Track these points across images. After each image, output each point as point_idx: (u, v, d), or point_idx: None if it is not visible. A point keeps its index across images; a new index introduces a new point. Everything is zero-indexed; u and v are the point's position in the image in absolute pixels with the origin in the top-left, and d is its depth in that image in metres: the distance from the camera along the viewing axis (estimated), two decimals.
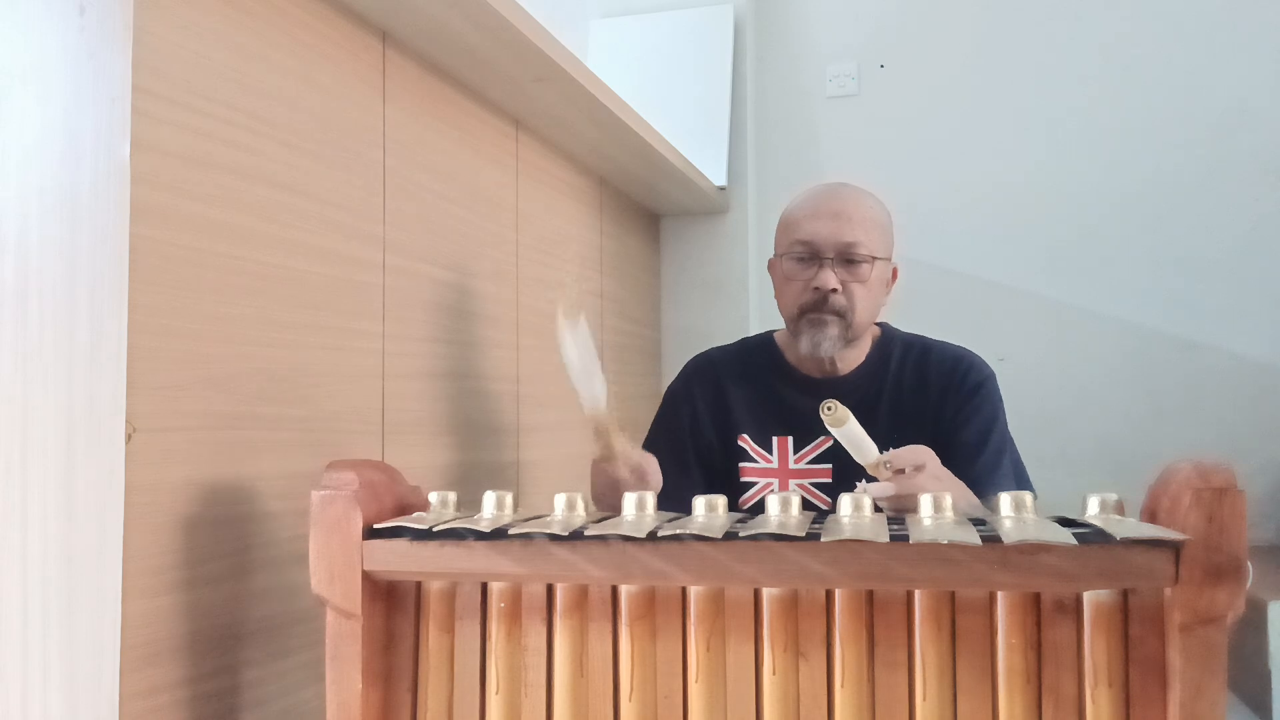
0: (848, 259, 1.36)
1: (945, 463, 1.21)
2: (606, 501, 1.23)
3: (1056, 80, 2.61)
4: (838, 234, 1.36)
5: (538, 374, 1.76)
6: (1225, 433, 2.43)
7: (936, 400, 1.40)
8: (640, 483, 1.24)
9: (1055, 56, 2.61)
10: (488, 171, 1.59)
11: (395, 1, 1.20)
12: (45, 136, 0.87)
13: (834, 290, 1.36)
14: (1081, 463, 2.44)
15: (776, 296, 1.46)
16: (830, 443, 1.41)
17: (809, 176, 2.38)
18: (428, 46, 1.35)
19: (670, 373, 1.69)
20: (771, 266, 1.48)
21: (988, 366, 1.44)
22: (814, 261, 1.37)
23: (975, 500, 1.25)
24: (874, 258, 1.37)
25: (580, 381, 1.16)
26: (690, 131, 2.47)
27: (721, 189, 2.57)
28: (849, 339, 1.40)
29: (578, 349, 1.13)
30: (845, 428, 1.13)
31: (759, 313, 2.61)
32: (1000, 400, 1.42)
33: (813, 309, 1.37)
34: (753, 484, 1.44)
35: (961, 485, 1.23)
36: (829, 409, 1.13)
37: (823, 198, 1.41)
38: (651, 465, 1.28)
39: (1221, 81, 2.51)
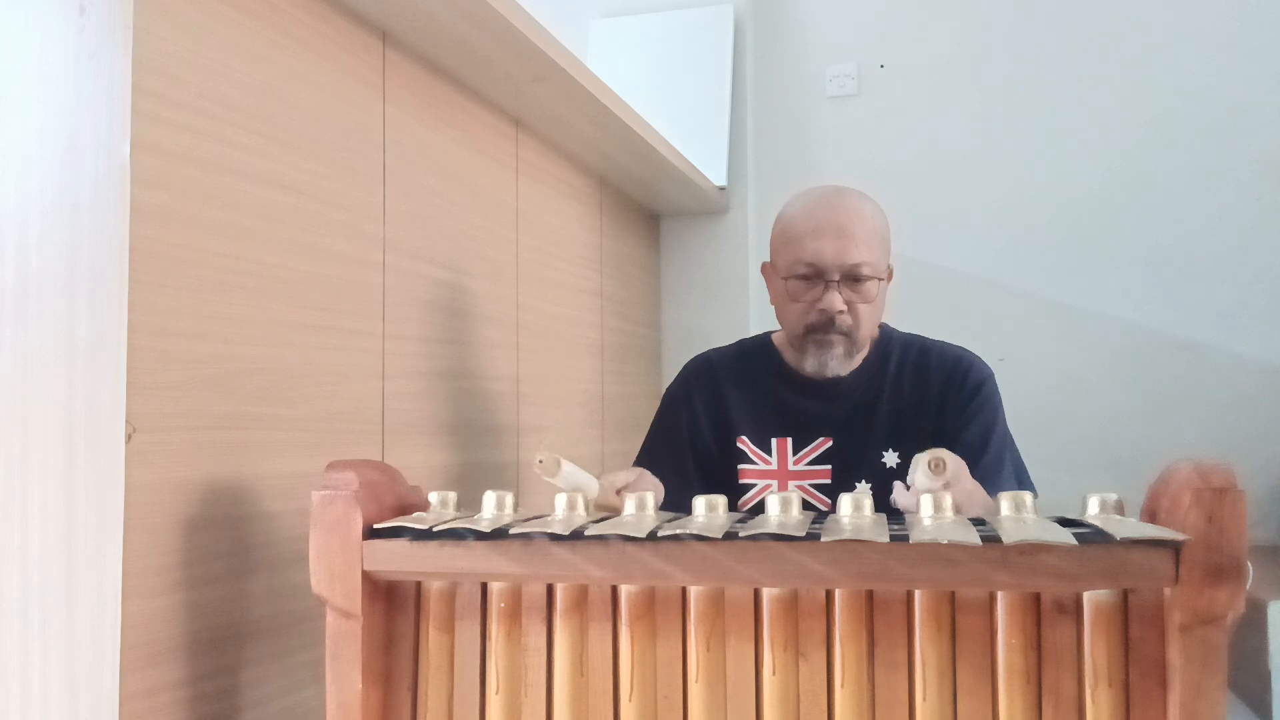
0: (853, 278, 1.35)
1: None
2: None
3: (1057, 80, 2.60)
4: (843, 255, 1.33)
5: (538, 374, 1.76)
6: (1225, 433, 2.43)
7: (937, 401, 1.40)
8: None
9: (1055, 56, 2.61)
10: (488, 171, 1.59)
11: (395, 1, 1.20)
12: (45, 136, 0.87)
13: (840, 312, 1.35)
14: (1081, 463, 2.43)
15: (776, 308, 1.45)
16: (829, 444, 1.41)
17: (809, 176, 2.37)
18: (428, 46, 1.35)
19: (670, 373, 1.69)
20: (766, 272, 1.47)
21: (987, 367, 1.44)
22: (819, 282, 1.35)
23: (991, 503, 1.24)
24: (879, 277, 1.36)
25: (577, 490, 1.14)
26: (690, 131, 2.46)
27: (721, 189, 2.57)
28: (854, 354, 1.40)
29: (567, 484, 1.10)
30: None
31: (759, 313, 2.61)
32: (1000, 400, 1.42)
33: (819, 330, 1.37)
34: (752, 486, 1.44)
35: (982, 491, 1.23)
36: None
37: (824, 211, 1.37)
38: (653, 490, 1.25)
39: (1221, 81, 2.51)
